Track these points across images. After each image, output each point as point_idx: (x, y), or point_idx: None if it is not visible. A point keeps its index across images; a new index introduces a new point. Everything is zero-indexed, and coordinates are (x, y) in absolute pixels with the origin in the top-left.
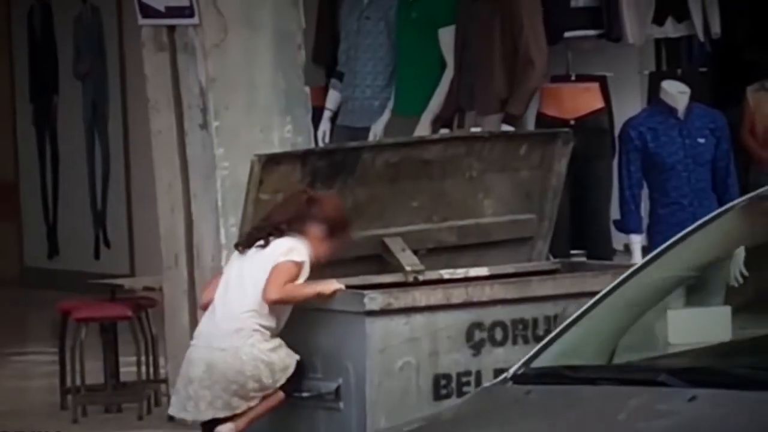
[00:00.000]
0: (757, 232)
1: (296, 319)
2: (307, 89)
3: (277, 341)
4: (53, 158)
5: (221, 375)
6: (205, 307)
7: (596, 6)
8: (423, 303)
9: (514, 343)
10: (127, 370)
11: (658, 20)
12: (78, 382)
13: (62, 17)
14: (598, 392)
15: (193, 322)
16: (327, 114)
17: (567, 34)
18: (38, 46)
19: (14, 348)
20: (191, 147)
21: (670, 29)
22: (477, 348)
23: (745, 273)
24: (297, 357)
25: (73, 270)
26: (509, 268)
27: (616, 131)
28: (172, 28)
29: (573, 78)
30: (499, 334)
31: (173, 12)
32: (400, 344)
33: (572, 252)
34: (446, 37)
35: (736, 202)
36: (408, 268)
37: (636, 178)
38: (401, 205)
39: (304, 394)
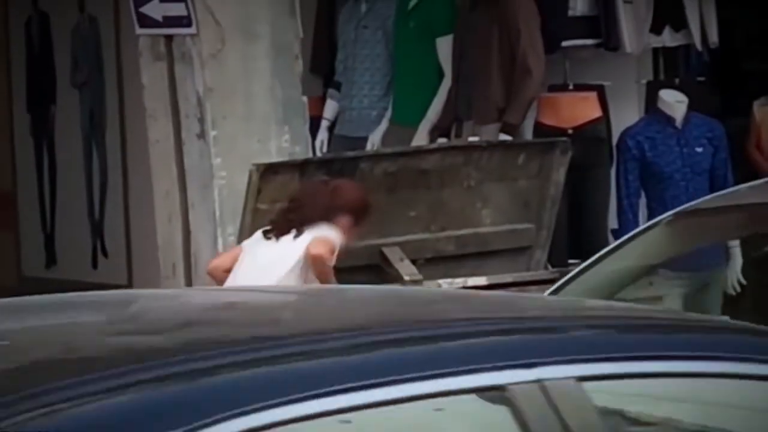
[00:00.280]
0: (678, 244)
1: None
2: (305, 99)
3: None
4: (51, 168)
5: None
6: (211, 272)
7: (594, 15)
8: None
9: None
10: None
11: (656, 29)
12: None
13: (60, 27)
14: None
15: None
16: (325, 124)
17: (565, 43)
18: (36, 55)
19: None
20: (189, 156)
21: (668, 38)
22: None
23: (743, 281)
24: None
25: (70, 279)
26: (507, 278)
27: (614, 140)
28: (169, 38)
29: (571, 87)
30: None
31: (171, 21)
32: None
33: (570, 261)
34: (444, 46)
35: (661, 217)
36: (406, 278)
37: (634, 187)
38: (399, 215)
39: None
